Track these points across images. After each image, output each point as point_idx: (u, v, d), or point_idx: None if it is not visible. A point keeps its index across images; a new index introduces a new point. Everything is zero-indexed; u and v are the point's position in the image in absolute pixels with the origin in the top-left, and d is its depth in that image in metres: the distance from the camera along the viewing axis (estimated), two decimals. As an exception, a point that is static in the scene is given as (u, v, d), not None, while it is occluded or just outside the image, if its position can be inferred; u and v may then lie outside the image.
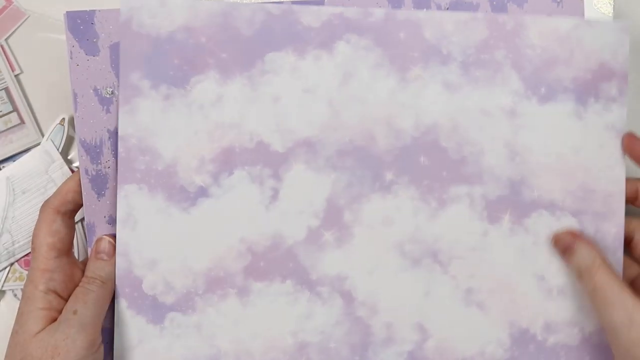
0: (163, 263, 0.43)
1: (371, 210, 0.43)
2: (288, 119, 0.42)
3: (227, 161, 0.42)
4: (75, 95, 0.42)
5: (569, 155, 0.42)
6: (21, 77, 0.52)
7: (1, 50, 0.52)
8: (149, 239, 0.42)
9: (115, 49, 0.42)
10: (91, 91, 0.42)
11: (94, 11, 0.42)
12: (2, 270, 0.50)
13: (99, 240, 0.43)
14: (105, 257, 0.42)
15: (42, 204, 0.42)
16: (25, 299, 0.40)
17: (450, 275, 0.43)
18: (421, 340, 0.43)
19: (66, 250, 0.42)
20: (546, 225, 0.42)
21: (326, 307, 0.43)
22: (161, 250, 0.43)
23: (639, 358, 0.37)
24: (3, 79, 0.51)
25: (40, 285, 0.40)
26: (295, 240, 0.43)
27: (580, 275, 0.40)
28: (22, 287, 0.42)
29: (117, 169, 0.42)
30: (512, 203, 0.42)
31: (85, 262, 0.43)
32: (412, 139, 0.42)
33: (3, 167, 0.50)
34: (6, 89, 0.51)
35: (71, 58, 0.42)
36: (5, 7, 0.52)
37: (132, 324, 0.43)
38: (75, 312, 0.39)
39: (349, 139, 0.42)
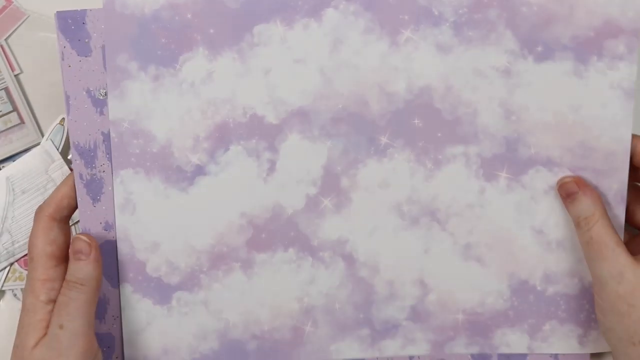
0: (165, 244, 0.43)
1: (368, 174, 0.43)
2: (280, 90, 0.42)
3: (222, 137, 0.42)
4: (67, 98, 0.42)
5: (568, 113, 0.42)
6: (21, 77, 0.52)
7: (1, 50, 0.51)
8: (149, 222, 0.43)
9: None
10: (84, 93, 0.42)
11: (85, 10, 0.41)
12: (2, 270, 0.50)
13: (75, 239, 0.41)
14: (83, 257, 0.40)
15: (35, 210, 0.41)
16: (25, 311, 0.40)
17: (448, 232, 0.44)
18: (422, 295, 0.44)
19: (64, 257, 0.41)
20: (543, 181, 0.43)
21: (329, 271, 0.44)
22: (162, 232, 0.43)
23: (622, 313, 0.38)
24: (3, 79, 0.51)
25: (41, 295, 0.39)
26: (295, 210, 0.43)
27: (578, 225, 0.41)
28: (22, 296, 0.41)
29: (112, 173, 0.42)
30: (509, 160, 0.43)
31: None
32: (406, 102, 0.42)
33: (3, 167, 0.50)
34: (6, 89, 0.51)
35: (63, 59, 0.41)
36: (5, 7, 0.51)
37: (139, 307, 0.44)
38: (61, 327, 0.38)
39: (342, 105, 0.42)
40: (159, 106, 0.42)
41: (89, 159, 0.42)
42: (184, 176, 0.42)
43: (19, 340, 0.40)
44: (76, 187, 0.42)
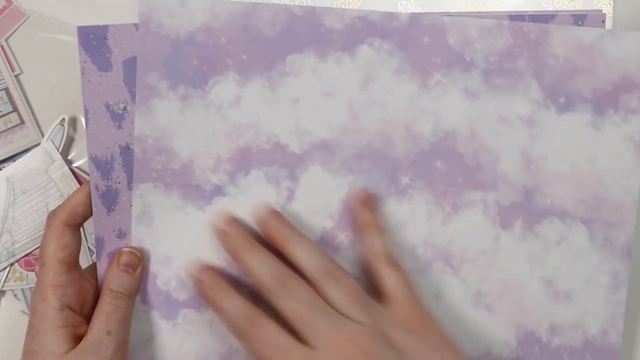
0: (177, 259, 0.42)
1: (386, 213, 0.43)
2: (306, 121, 0.42)
3: (244, 161, 0.42)
4: (87, 112, 0.41)
5: (584, 165, 0.43)
6: (21, 77, 0.52)
7: (1, 50, 0.51)
8: (164, 235, 0.42)
9: (128, 64, 0.41)
10: (103, 107, 0.41)
11: (107, 26, 0.41)
12: (2, 270, 0.50)
13: (125, 253, 0.42)
14: (130, 271, 0.41)
15: (48, 215, 0.41)
16: (38, 317, 0.39)
17: (461, 278, 0.44)
18: None
19: (75, 263, 0.41)
20: (556, 232, 0.43)
21: None
22: (176, 247, 0.42)
23: None
24: (3, 79, 0.51)
25: (54, 302, 0.39)
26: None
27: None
28: (31, 300, 0.41)
29: (128, 184, 0.42)
30: (525, 210, 0.43)
31: (89, 271, 0.43)
32: (430, 144, 0.43)
33: (3, 167, 0.50)
34: (6, 89, 0.51)
35: (83, 74, 0.41)
36: (5, 7, 0.51)
37: (145, 318, 0.43)
38: (109, 333, 0.39)
39: (366, 142, 0.42)
40: (185, 125, 0.41)
41: (106, 171, 0.42)
42: (203, 195, 0.42)
43: (36, 346, 0.39)
44: (92, 197, 0.42)
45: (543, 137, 0.43)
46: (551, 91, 0.42)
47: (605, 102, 0.43)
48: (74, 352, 0.39)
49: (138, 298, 0.43)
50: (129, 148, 0.42)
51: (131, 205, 0.42)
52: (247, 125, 0.42)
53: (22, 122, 0.51)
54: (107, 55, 0.41)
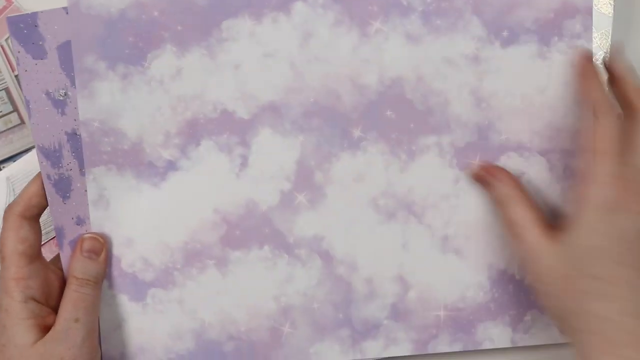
0: (139, 240, 0.42)
1: (342, 168, 0.43)
2: (250, 85, 0.42)
3: (193, 133, 0.42)
4: (27, 102, 0.41)
5: (535, 96, 0.42)
6: None
7: (1, 50, 0.51)
8: (122, 217, 0.42)
9: (63, 49, 0.41)
10: (43, 95, 0.41)
11: (36, 13, 0.40)
12: None
13: (87, 239, 0.42)
14: (94, 257, 0.41)
15: (5, 210, 0.41)
16: (3, 311, 0.39)
17: (425, 225, 0.43)
18: (402, 292, 0.44)
19: (37, 254, 0.41)
20: (515, 167, 0.43)
21: (306, 269, 0.43)
22: (136, 228, 0.42)
23: (544, 291, 0.39)
24: (3, 79, 0.51)
25: (17, 295, 0.39)
26: (269, 206, 0.43)
27: (498, 209, 0.42)
28: None
29: (79, 170, 0.41)
30: (481, 148, 0.43)
31: (54, 262, 0.43)
32: (377, 94, 0.42)
33: (3, 167, 0.50)
34: (6, 89, 0.51)
35: (18, 64, 0.41)
36: (5, 7, 0.51)
37: (114, 304, 0.43)
38: (77, 320, 0.39)
39: (313, 99, 0.42)
40: (129, 104, 0.41)
41: (55, 159, 0.41)
42: (156, 171, 0.42)
43: (5, 340, 0.39)
44: (45, 187, 0.41)
45: (491, 73, 0.42)
46: (493, 26, 0.42)
47: (549, 30, 0.42)
48: (42, 341, 0.39)
49: (105, 283, 0.43)
50: (76, 133, 0.41)
51: (86, 191, 0.42)
52: (191, 97, 0.41)
53: (22, 122, 0.51)
54: (40, 43, 0.40)
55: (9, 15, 0.40)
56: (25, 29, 0.40)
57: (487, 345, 0.44)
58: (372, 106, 0.42)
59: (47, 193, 0.41)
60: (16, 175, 0.49)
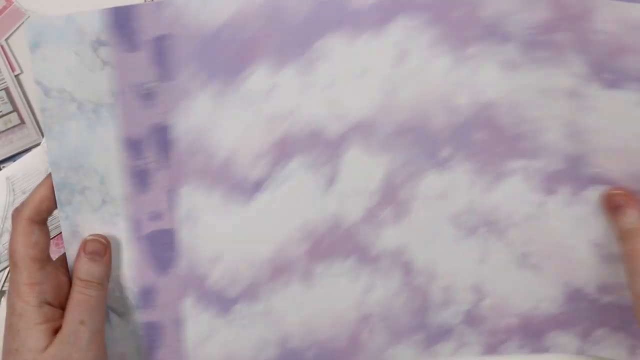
0: (226, 258, 0.43)
1: (427, 186, 0.43)
2: (341, 103, 0.42)
3: (283, 152, 0.42)
4: (116, 93, 0.40)
5: (632, 141, 0.41)
6: (21, 77, 0.52)
7: (1, 50, 0.51)
8: (210, 236, 0.43)
9: (156, 43, 0.40)
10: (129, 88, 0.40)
11: (132, 7, 0.39)
12: (2, 270, 0.50)
13: (91, 241, 0.41)
14: (98, 258, 0.41)
15: (12, 214, 0.40)
16: (17, 316, 0.39)
17: (505, 242, 0.44)
18: (477, 300, 0.45)
19: (47, 258, 0.40)
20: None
21: (386, 279, 0.45)
22: (223, 246, 0.43)
23: None
24: (3, 79, 0.51)
25: (31, 300, 0.39)
26: (354, 221, 0.43)
27: (621, 237, 0.41)
28: (7, 299, 0.40)
29: (159, 162, 0.41)
30: (571, 177, 0.43)
31: (61, 263, 0.43)
32: (468, 116, 0.42)
33: (3, 167, 0.50)
34: (6, 89, 0.51)
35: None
36: (5, 7, 0.51)
37: (199, 320, 0.44)
38: (82, 323, 0.39)
39: (403, 119, 0.42)
40: (221, 122, 0.41)
41: (137, 151, 0.41)
42: (244, 190, 0.42)
43: (17, 344, 0.39)
44: (124, 178, 0.41)
45: (588, 110, 0.41)
46: (595, 67, 0.40)
47: None
48: (52, 345, 0.39)
49: (189, 301, 0.44)
50: (162, 127, 0.41)
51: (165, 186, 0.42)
52: (282, 115, 0.41)
53: (22, 122, 0.51)
54: (134, 36, 0.39)
55: (104, 8, 0.39)
56: (120, 21, 0.39)
57: (554, 351, 0.46)
58: (461, 128, 0.42)
59: (126, 184, 0.41)
60: (16, 175, 0.49)
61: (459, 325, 0.46)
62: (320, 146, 0.42)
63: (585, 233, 0.43)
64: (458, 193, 0.43)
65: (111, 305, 0.43)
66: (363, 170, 0.43)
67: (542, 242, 0.44)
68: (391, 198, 0.43)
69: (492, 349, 0.46)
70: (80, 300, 0.40)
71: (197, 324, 0.44)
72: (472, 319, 0.46)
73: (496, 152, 0.42)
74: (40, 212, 0.40)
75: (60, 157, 0.41)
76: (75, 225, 0.42)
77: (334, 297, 0.45)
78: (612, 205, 0.42)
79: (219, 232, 0.43)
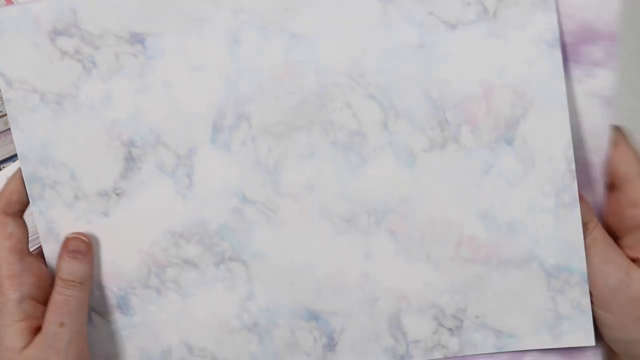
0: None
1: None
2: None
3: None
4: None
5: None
6: None
7: None
8: None
9: None
10: None
11: None
12: None
13: (72, 239, 0.40)
14: (79, 257, 0.40)
15: None
16: None
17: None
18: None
19: (26, 250, 0.40)
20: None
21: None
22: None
23: (637, 316, 0.37)
24: None
25: (12, 293, 0.38)
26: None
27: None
28: None
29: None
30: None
31: (41, 254, 0.42)
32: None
33: (3, 167, 0.50)
34: None
35: None
36: None
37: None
38: (62, 325, 0.38)
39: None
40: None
41: None
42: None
43: None
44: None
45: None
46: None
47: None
48: (31, 346, 0.38)
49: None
50: None
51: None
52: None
53: None
54: None
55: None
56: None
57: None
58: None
59: None
60: None
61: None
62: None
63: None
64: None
65: (92, 305, 0.43)
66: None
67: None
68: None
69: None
70: (61, 301, 0.39)
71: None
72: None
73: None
74: (10, 204, 0.40)
75: (27, 149, 0.41)
76: (50, 221, 0.41)
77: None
78: None
79: None
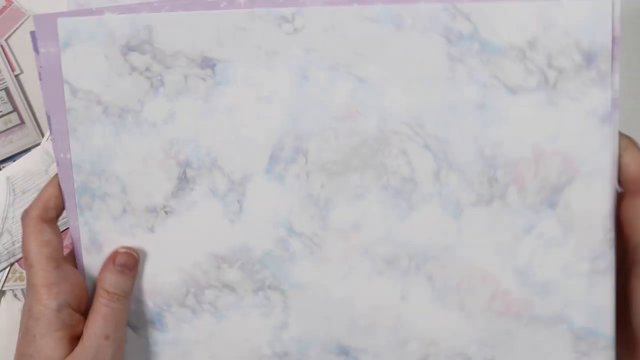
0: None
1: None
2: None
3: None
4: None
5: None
6: (21, 77, 0.52)
7: (1, 50, 0.51)
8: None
9: None
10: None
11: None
12: (2, 270, 0.50)
13: (123, 253, 0.41)
14: (127, 272, 0.40)
15: (22, 215, 0.40)
16: (34, 319, 0.38)
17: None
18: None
19: (61, 257, 0.40)
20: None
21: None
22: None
23: None
24: (3, 79, 0.51)
25: (50, 302, 0.38)
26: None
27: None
28: (26, 302, 0.39)
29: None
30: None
31: (73, 261, 0.42)
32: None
33: (3, 167, 0.50)
34: (6, 89, 0.51)
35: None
36: (5, 7, 0.51)
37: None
38: (107, 338, 0.38)
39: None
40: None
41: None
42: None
43: (32, 350, 0.38)
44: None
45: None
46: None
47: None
48: (71, 356, 0.38)
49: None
50: None
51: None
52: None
53: (22, 122, 0.51)
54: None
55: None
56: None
57: None
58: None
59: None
60: (16, 175, 0.50)
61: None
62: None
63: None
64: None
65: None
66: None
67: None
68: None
69: None
70: (107, 313, 0.39)
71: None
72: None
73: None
74: (48, 210, 0.40)
75: (82, 159, 0.41)
76: (95, 232, 0.42)
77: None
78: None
79: None
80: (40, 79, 0.41)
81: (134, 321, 0.43)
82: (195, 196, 0.41)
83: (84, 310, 0.41)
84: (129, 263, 0.41)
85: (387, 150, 0.40)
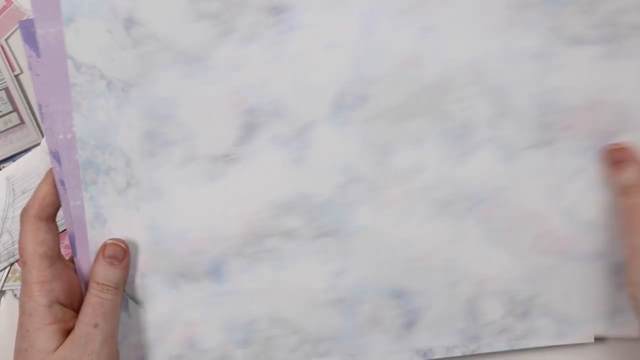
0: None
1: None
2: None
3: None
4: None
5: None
6: (21, 77, 0.52)
7: (1, 50, 0.51)
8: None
9: None
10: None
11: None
12: (2, 270, 0.50)
13: (110, 245, 0.41)
14: (116, 263, 0.41)
15: (20, 213, 0.41)
16: (27, 315, 0.39)
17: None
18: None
19: (57, 256, 0.40)
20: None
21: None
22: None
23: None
24: (3, 79, 0.51)
25: (41, 299, 0.39)
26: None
27: (620, 192, 0.41)
28: (20, 299, 0.40)
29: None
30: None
31: (70, 260, 0.43)
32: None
33: (3, 167, 0.50)
34: (6, 89, 0.51)
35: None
36: (5, 7, 0.51)
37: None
38: (96, 326, 0.39)
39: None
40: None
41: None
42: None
43: (27, 344, 0.39)
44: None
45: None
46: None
47: None
48: (62, 347, 0.39)
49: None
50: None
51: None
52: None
53: (22, 122, 0.51)
54: None
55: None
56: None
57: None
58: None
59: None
60: (16, 175, 0.49)
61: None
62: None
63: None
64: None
65: (129, 293, 0.42)
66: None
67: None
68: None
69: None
70: (96, 303, 0.40)
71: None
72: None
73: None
74: (44, 208, 0.40)
75: (87, 134, 0.40)
76: (99, 207, 0.41)
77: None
78: (612, 161, 0.41)
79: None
80: (30, 69, 0.40)
81: (139, 295, 0.43)
82: (258, 144, 0.42)
83: (77, 306, 0.41)
84: (118, 254, 0.41)
85: (444, 97, 0.42)
